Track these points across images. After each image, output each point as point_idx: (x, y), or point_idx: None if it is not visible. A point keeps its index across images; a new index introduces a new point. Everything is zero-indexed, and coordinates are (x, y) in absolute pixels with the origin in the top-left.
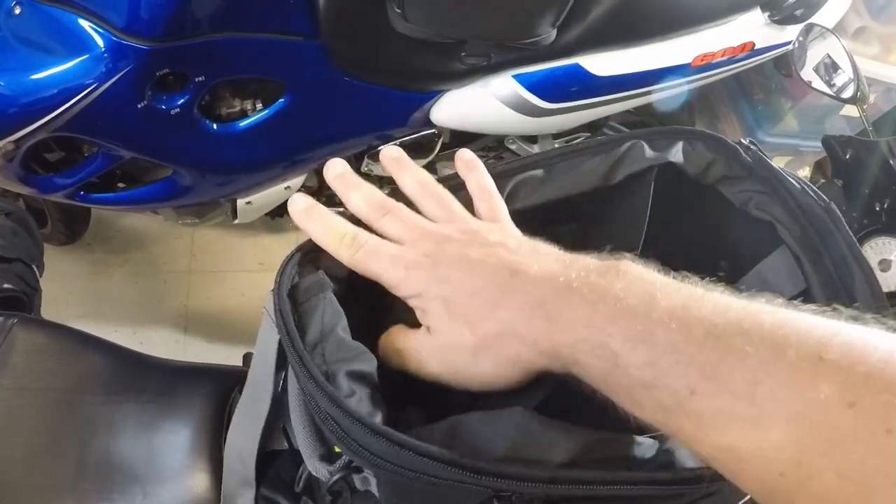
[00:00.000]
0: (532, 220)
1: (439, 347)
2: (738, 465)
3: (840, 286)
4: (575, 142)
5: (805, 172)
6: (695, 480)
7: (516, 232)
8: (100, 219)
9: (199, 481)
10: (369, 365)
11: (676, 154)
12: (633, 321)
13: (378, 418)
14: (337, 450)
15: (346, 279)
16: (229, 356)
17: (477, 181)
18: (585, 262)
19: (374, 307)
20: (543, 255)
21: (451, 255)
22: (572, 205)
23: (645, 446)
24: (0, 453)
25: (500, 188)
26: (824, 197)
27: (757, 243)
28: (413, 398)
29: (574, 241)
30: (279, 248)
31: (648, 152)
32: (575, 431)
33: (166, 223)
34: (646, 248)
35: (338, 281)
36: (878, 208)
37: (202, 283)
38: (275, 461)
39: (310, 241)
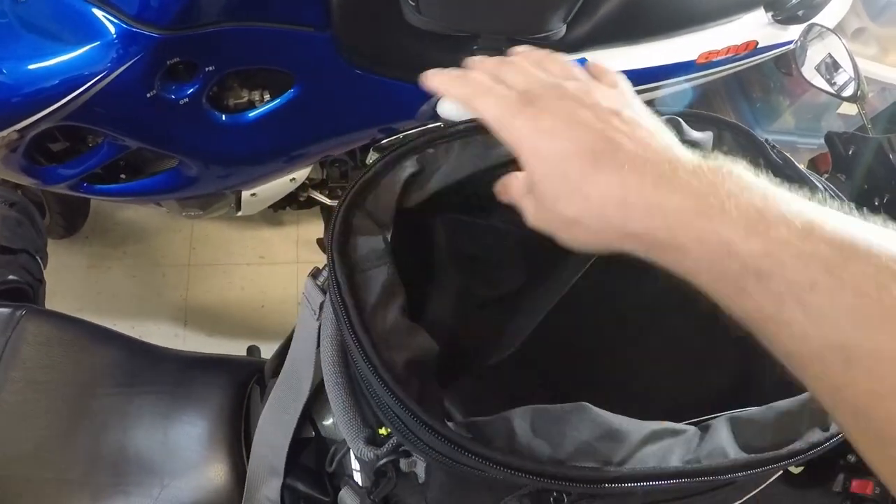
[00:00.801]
0: None
1: (537, 204)
2: (846, 368)
3: None
4: None
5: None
6: (732, 469)
7: (636, 102)
8: (98, 212)
9: (219, 472)
10: (429, 351)
11: (707, 142)
12: (751, 213)
13: (440, 411)
14: (382, 431)
15: (391, 224)
16: (230, 349)
17: (589, 64)
18: (693, 158)
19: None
20: (654, 136)
21: (557, 109)
22: None
23: (689, 435)
24: (11, 447)
25: None
26: (845, 198)
27: None
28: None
29: None
30: (279, 241)
31: (687, 131)
32: (629, 426)
33: (165, 216)
34: None
35: (385, 227)
36: (877, 203)
37: (202, 276)
38: (302, 449)
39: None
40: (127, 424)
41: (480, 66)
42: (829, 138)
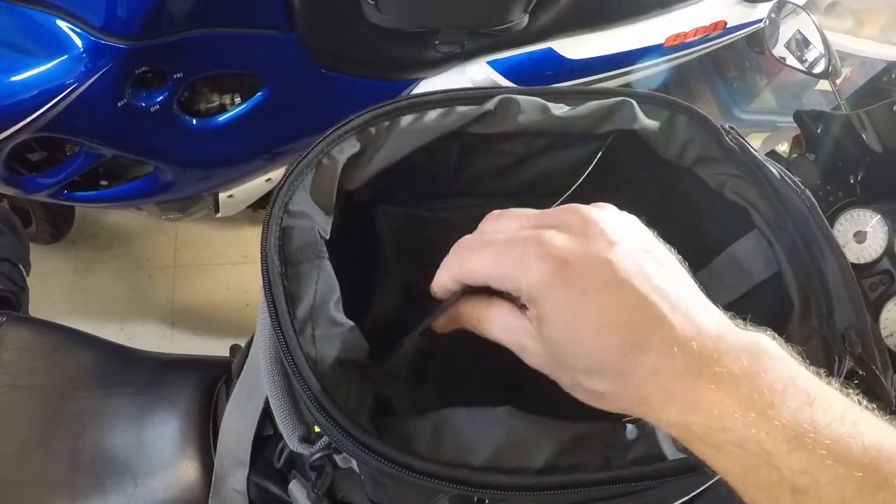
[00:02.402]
0: (514, 142)
1: (547, 355)
2: None
3: (812, 270)
4: None
5: (784, 147)
6: (672, 473)
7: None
8: (84, 217)
9: (189, 469)
10: (359, 350)
11: (654, 126)
12: (795, 423)
13: (365, 411)
14: (317, 429)
15: (332, 209)
16: (216, 348)
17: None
18: (736, 339)
19: (365, 255)
20: (692, 299)
21: (588, 259)
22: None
23: (627, 434)
24: None
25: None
26: (800, 184)
27: (730, 225)
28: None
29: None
30: None
31: (639, 116)
32: (557, 428)
33: (150, 219)
34: None
35: (327, 211)
36: (852, 181)
37: (187, 277)
38: (265, 446)
39: (298, 164)
40: (104, 425)
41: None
42: (798, 117)
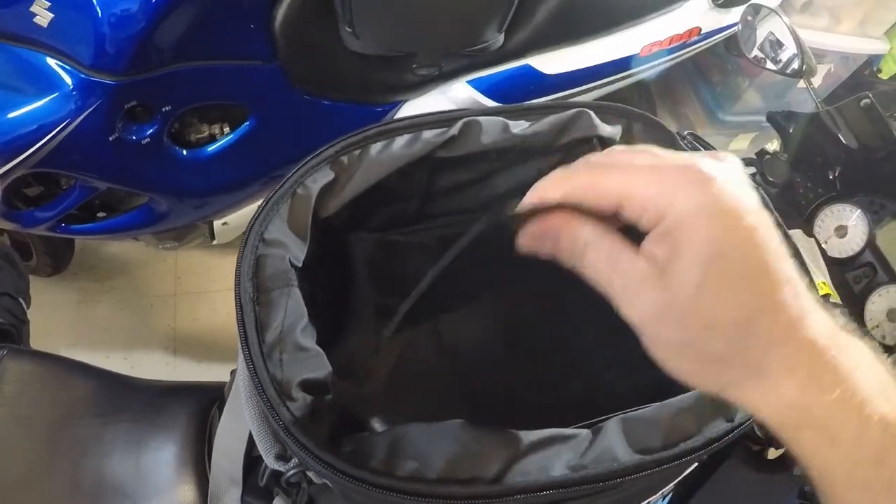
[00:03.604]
0: (480, 160)
1: (662, 301)
2: None
3: None
4: None
5: (774, 146)
6: (627, 472)
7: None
8: (84, 248)
9: (186, 493)
10: (323, 372)
11: (616, 135)
12: (880, 442)
13: (325, 429)
14: None
15: (307, 238)
16: (219, 374)
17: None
18: (858, 348)
19: (337, 276)
20: (810, 302)
21: (744, 204)
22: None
23: (579, 439)
24: None
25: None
26: (755, 185)
27: None
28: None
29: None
30: None
31: (597, 124)
32: (510, 437)
33: (149, 248)
34: None
35: (301, 238)
36: (831, 177)
37: (188, 304)
38: (257, 466)
39: (274, 194)
40: (103, 452)
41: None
42: (771, 118)
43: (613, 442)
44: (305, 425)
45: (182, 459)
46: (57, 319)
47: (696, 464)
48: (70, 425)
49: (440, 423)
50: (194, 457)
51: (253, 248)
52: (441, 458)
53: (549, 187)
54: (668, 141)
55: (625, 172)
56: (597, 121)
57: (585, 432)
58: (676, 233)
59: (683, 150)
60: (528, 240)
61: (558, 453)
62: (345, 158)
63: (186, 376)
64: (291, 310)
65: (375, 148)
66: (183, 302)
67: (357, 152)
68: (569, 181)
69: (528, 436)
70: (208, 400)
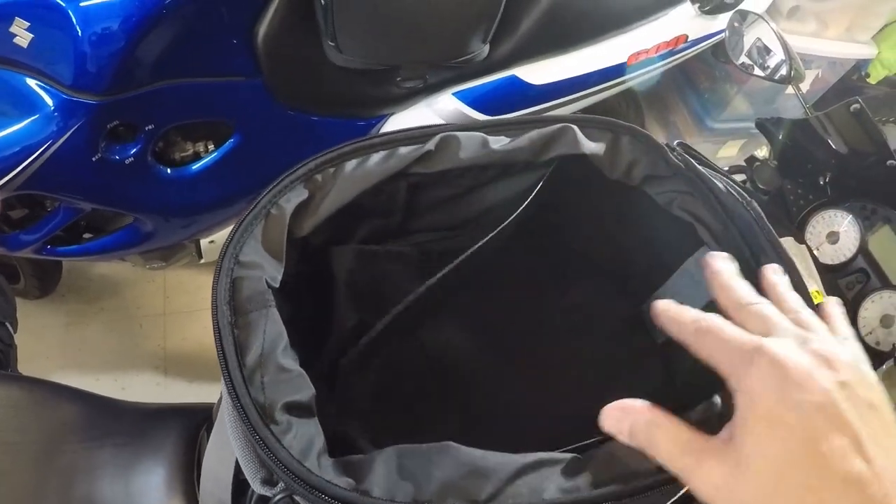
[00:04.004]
0: (461, 176)
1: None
2: None
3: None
4: None
5: (763, 153)
6: (617, 496)
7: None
8: (71, 270)
9: None
10: (307, 394)
11: (599, 149)
12: None
13: (315, 451)
14: None
15: (283, 258)
16: (210, 393)
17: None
18: None
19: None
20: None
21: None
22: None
23: (577, 461)
24: None
25: (430, 136)
26: (747, 196)
27: (684, 242)
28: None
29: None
30: None
31: (581, 141)
32: (504, 460)
33: (137, 269)
34: (574, 246)
35: (277, 258)
36: (822, 182)
37: (177, 323)
38: (246, 490)
39: (247, 215)
40: (93, 478)
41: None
42: (760, 125)
43: (605, 467)
44: (291, 449)
45: (171, 484)
46: (46, 342)
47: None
48: (58, 451)
49: (432, 445)
50: (183, 481)
51: (228, 270)
52: (435, 480)
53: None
54: (658, 152)
55: (722, 333)
56: (581, 137)
57: (578, 458)
58: (744, 418)
59: (674, 162)
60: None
61: (549, 476)
62: (319, 176)
63: (178, 396)
64: (270, 331)
65: (350, 165)
66: (172, 321)
67: (331, 170)
68: (682, 316)
69: (521, 458)
70: (196, 422)
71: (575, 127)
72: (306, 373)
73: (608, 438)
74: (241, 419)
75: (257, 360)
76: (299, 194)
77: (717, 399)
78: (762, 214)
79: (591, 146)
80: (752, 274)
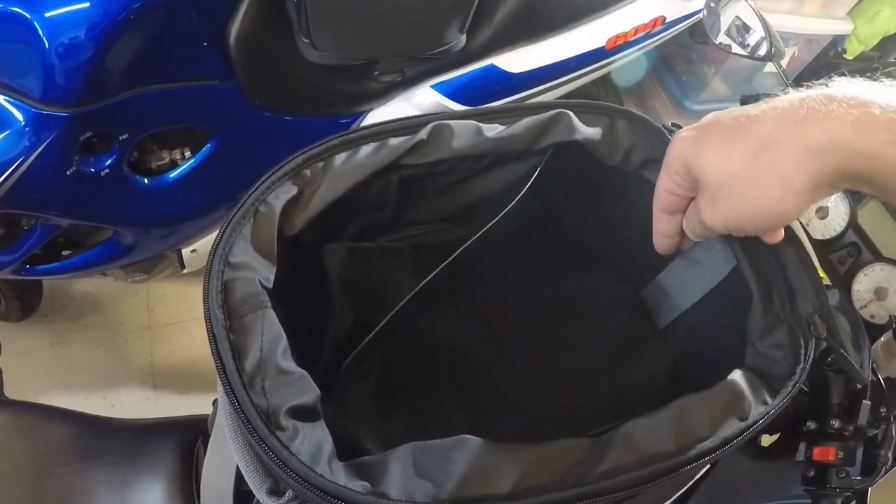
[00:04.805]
0: (454, 166)
1: (711, 195)
2: None
3: (770, 257)
4: None
5: None
6: (644, 480)
7: None
8: (54, 288)
9: None
10: (311, 396)
11: (596, 134)
12: None
13: (325, 456)
14: None
15: (274, 257)
16: (201, 404)
17: None
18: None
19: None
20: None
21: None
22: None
23: (594, 448)
24: None
25: (422, 125)
26: None
27: None
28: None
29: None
30: None
31: (577, 126)
32: (520, 451)
33: (119, 283)
34: (573, 234)
35: (268, 258)
36: None
37: (163, 336)
38: (249, 501)
39: (235, 215)
40: (88, 498)
41: None
42: (745, 101)
43: (625, 450)
44: (300, 455)
45: (169, 499)
46: (31, 364)
47: (708, 465)
48: (51, 474)
49: (447, 440)
50: (182, 496)
51: (218, 273)
52: (453, 476)
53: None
54: (657, 135)
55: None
56: (577, 122)
57: (596, 442)
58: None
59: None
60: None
61: (570, 465)
62: (308, 171)
63: (168, 409)
64: (268, 333)
65: (340, 158)
66: (158, 334)
67: (321, 164)
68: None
69: (537, 448)
70: (191, 435)
71: (570, 113)
72: None
73: (622, 422)
74: (243, 427)
75: (256, 364)
76: (288, 190)
77: (737, 375)
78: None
79: (588, 132)
80: (759, 252)
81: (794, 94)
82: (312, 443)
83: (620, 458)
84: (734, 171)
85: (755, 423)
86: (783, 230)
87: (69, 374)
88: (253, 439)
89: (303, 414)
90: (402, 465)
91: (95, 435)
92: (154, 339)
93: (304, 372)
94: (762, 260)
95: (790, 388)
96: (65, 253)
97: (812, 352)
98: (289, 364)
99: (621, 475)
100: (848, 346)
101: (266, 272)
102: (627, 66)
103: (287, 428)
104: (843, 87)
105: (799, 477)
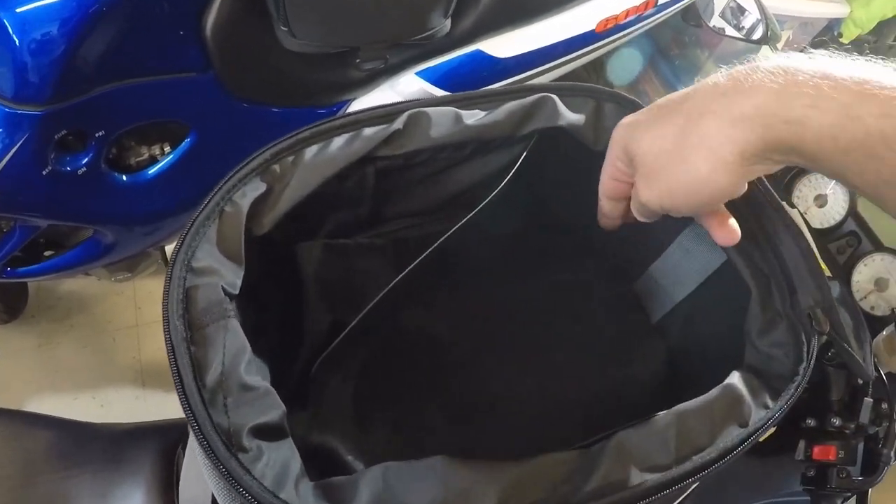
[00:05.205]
0: (433, 156)
1: (646, 174)
2: None
3: (768, 249)
4: None
5: None
6: (636, 498)
7: None
8: (39, 289)
9: None
10: (276, 413)
11: (580, 120)
12: (853, 81)
13: (292, 478)
14: None
15: (242, 259)
16: None
17: None
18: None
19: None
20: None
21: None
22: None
23: (582, 464)
24: None
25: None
26: None
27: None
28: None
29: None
30: None
31: (561, 111)
32: (500, 470)
33: (105, 282)
34: (561, 224)
35: (235, 261)
36: None
37: (151, 334)
38: None
39: (198, 216)
40: None
41: None
42: None
43: (617, 464)
44: (263, 479)
45: None
46: (20, 365)
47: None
48: (33, 483)
49: (419, 462)
50: (164, 501)
51: (180, 279)
52: (425, 501)
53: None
54: None
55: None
56: (561, 107)
57: (584, 454)
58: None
59: None
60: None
61: (556, 483)
62: (276, 167)
63: (157, 407)
64: (231, 345)
65: (310, 151)
66: (146, 332)
67: (290, 158)
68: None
69: (519, 466)
70: (172, 440)
71: (555, 97)
72: (279, 383)
73: (613, 431)
74: (201, 449)
75: (218, 380)
76: (256, 188)
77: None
78: (763, 178)
79: (573, 117)
80: (756, 244)
81: (725, 70)
82: (278, 463)
83: (611, 473)
84: (666, 147)
85: (756, 430)
86: (734, 223)
87: (58, 375)
88: (211, 463)
89: (267, 433)
90: (372, 487)
91: (78, 442)
92: (142, 336)
93: (269, 387)
94: (756, 253)
95: (792, 390)
96: (47, 254)
97: (815, 349)
98: (253, 378)
99: (612, 494)
100: (851, 340)
101: (232, 277)
102: (623, 65)
103: (250, 449)
104: (779, 59)
105: (796, 473)
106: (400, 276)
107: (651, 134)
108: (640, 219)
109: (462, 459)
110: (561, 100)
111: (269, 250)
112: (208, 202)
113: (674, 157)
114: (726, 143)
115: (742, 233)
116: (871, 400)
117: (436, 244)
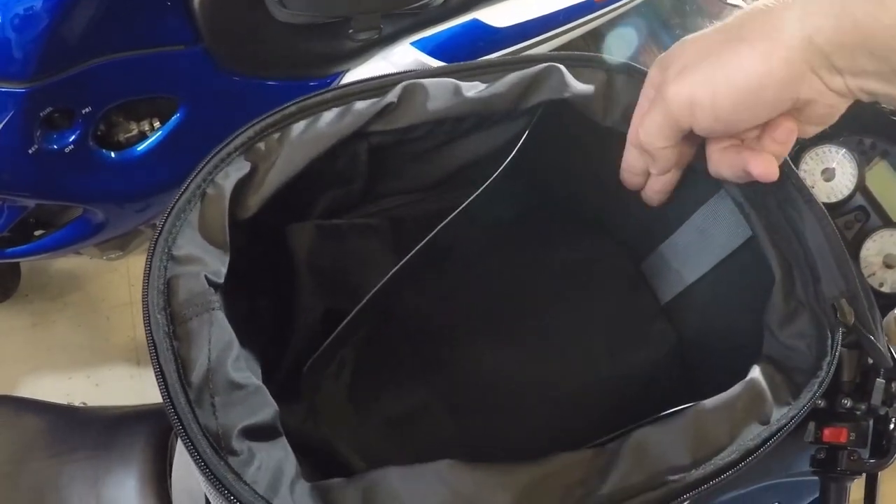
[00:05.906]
0: (430, 131)
1: (680, 69)
2: None
3: (791, 233)
4: None
5: None
6: (658, 501)
7: None
8: (32, 268)
9: None
10: (268, 412)
11: (589, 91)
12: None
13: (287, 480)
14: None
15: (226, 245)
16: None
17: None
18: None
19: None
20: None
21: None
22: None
23: (598, 465)
24: None
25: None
26: None
27: (692, 191)
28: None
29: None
30: None
31: (569, 83)
32: (510, 474)
33: (98, 260)
34: (567, 202)
35: (219, 247)
36: None
37: None
38: None
39: (178, 200)
40: (62, 495)
41: None
42: None
43: (636, 465)
44: (255, 485)
45: (143, 494)
46: (14, 345)
47: None
48: (24, 470)
49: (423, 466)
50: (156, 489)
51: (160, 269)
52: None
53: None
54: None
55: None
56: (569, 78)
57: (600, 454)
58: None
59: None
60: None
61: (570, 486)
62: (262, 144)
63: (153, 386)
64: (217, 340)
65: (298, 128)
66: (140, 310)
67: (276, 135)
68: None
69: (530, 469)
70: (165, 424)
71: (562, 67)
72: (271, 374)
73: (630, 429)
74: (189, 455)
75: (204, 377)
76: (240, 167)
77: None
78: (787, 159)
79: (581, 88)
80: (779, 227)
81: None
82: (271, 466)
83: (629, 476)
84: (714, 39)
85: (780, 429)
86: (778, 169)
87: (52, 354)
88: (199, 467)
89: (259, 433)
90: (372, 493)
91: (69, 427)
92: (136, 314)
93: (260, 384)
94: (782, 232)
95: (816, 386)
96: (37, 233)
97: (839, 343)
98: (241, 375)
99: (629, 498)
100: (877, 332)
101: (217, 264)
102: (619, 42)
103: (241, 452)
104: None
105: (803, 453)
106: (399, 265)
107: (692, 41)
108: (649, 147)
109: (469, 463)
110: (568, 70)
111: (257, 234)
112: (189, 184)
113: (721, 46)
114: (794, 24)
115: (762, 212)
116: (884, 381)
117: (437, 228)
